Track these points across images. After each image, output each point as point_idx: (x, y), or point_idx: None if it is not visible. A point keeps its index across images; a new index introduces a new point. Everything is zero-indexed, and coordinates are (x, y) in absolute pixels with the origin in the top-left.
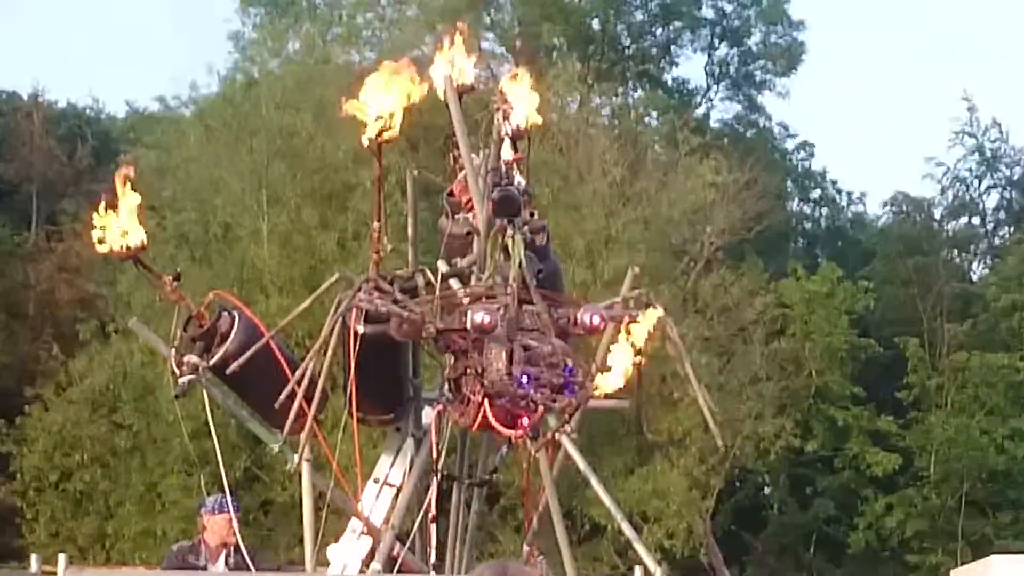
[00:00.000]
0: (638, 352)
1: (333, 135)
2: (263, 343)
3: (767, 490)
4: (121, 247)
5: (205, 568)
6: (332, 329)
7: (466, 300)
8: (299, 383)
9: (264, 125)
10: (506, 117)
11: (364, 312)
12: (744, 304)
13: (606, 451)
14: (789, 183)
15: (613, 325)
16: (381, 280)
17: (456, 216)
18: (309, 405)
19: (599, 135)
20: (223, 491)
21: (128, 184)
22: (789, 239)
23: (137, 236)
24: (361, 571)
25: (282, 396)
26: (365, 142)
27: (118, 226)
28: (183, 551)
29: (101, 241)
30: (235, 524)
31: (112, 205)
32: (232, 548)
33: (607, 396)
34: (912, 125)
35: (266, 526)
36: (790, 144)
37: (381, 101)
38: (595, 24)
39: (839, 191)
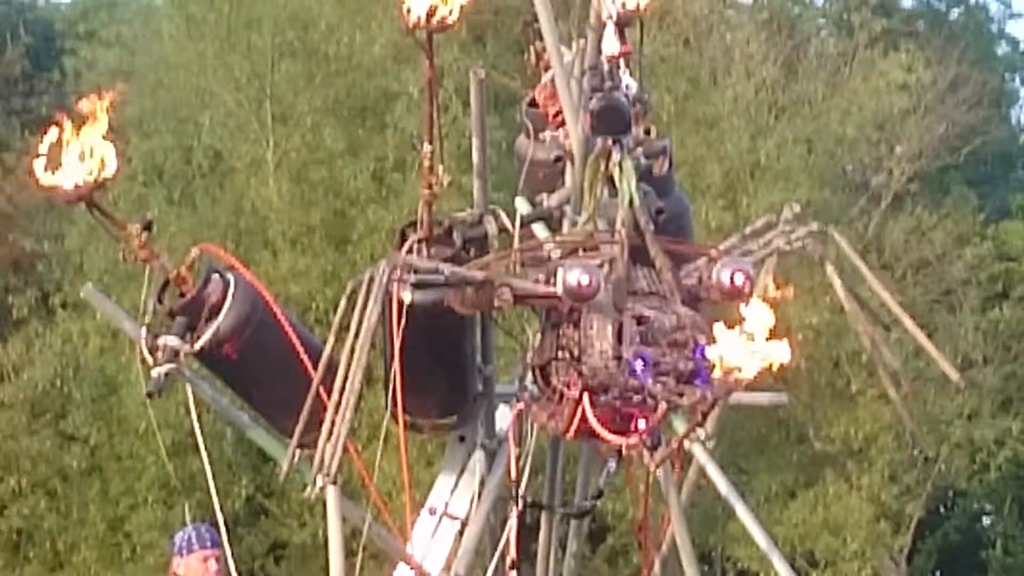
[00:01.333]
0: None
1: (364, 25)
2: (271, 314)
3: (987, 520)
4: (74, 183)
5: None
6: (366, 306)
7: (556, 253)
8: (324, 375)
9: (268, 13)
10: None
11: (412, 274)
12: (950, 256)
13: (757, 466)
14: (1016, 83)
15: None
16: (437, 227)
17: (540, 135)
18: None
19: (742, 20)
20: (217, 528)
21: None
22: (1014, 164)
23: (98, 166)
24: None
25: (310, 395)
26: (411, 21)
27: (75, 151)
28: None
29: (52, 168)
30: (213, 566)
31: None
32: None
33: (755, 388)
34: None
35: None
36: (1020, 29)
37: None
38: None
39: None
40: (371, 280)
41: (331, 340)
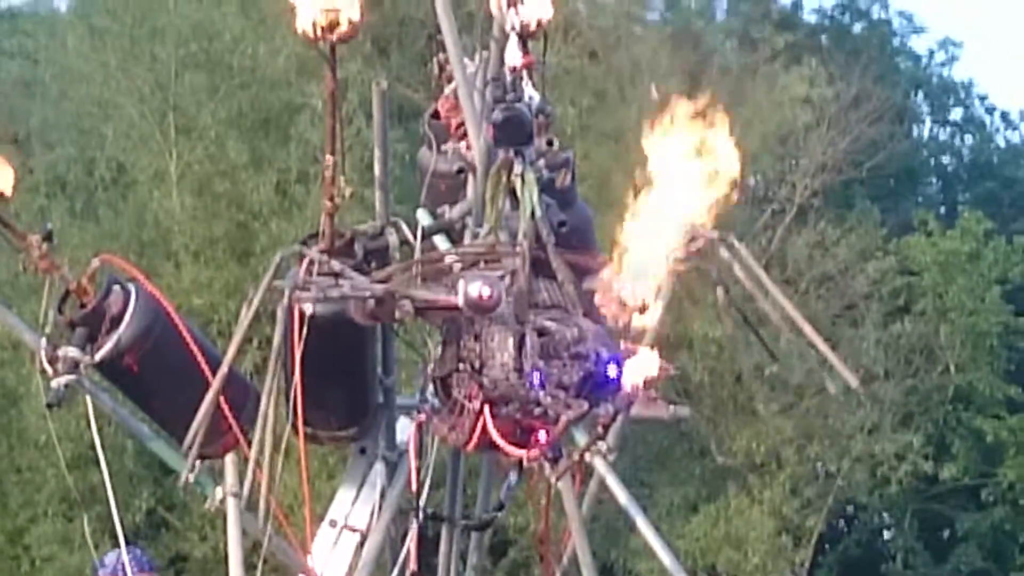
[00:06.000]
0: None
1: (268, 37)
2: (172, 325)
3: (887, 534)
4: None
5: None
6: (250, 315)
7: (457, 265)
8: (224, 386)
9: (172, 24)
10: (513, 4)
11: (312, 284)
12: (853, 270)
13: (659, 480)
14: (919, 99)
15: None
16: (338, 239)
17: (443, 147)
18: (237, 416)
19: (647, 33)
20: (116, 542)
21: None
22: (917, 179)
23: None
24: None
25: (203, 409)
26: (305, 29)
27: None
28: None
29: None
30: None
31: None
32: None
33: (655, 399)
34: None
35: None
36: (920, 44)
37: None
38: None
39: (990, 110)
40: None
41: (233, 347)
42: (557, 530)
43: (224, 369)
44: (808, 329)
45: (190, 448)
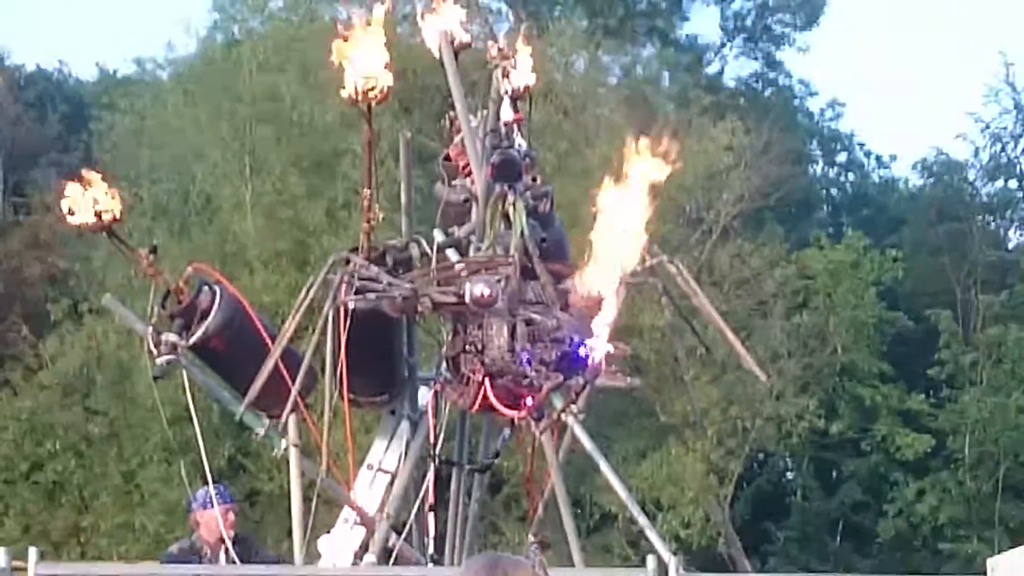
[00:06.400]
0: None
1: (320, 97)
2: (248, 317)
3: (790, 475)
4: (95, 219)
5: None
6: (301, 307)
7: (464, 272)
8: (284, 360)
9: (246, 88)
10: (506, 75)
11: (355, 285)
12: (764, 276)
13: (617, 434)
14: (813, 146)
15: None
16: (373, 251)
17: (453, 182)
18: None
19: (607, 96)
20: (205, 481)
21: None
22: (812, 206)
23: (111, 207)
24: (354, 563)
25: (262, 373)
26: (349, 90)
27: (91, 196)
28: (183, 552)
29: (72, 212)
30: (232, 516)
31: (84, 177)
32: (232, 541)
33: (615, 372)
34: (946, 83)
35: (253, 518)
36: (816, 104)
37: (365, 60)
38: None
39: (867, 154)
40: (327, 279)
41: (291, 321)
42: (540, 472)
43: (283, 340)
44: (729, 334)
45: (267, 410)
